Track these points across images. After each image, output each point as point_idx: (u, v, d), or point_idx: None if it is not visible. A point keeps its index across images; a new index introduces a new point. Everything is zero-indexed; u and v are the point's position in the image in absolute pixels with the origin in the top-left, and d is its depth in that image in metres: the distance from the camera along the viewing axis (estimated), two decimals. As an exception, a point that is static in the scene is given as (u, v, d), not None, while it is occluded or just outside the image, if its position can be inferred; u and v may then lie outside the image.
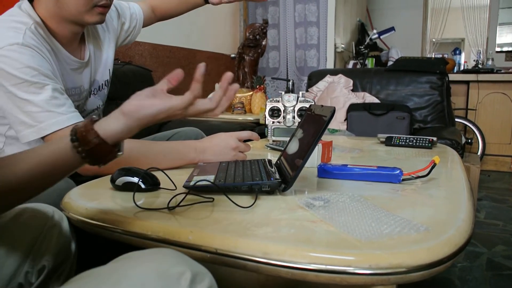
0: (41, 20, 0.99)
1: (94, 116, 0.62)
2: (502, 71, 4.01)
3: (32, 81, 0.88)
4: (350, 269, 0.48)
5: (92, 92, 1.18)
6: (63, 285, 0.46)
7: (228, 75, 0.64)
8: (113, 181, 0.79)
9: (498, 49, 4.96)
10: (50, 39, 1.01)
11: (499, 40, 5.02)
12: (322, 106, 0.82)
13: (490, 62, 4.24)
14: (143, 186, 0.77)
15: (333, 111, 0.73)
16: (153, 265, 0.45)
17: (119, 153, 0.62)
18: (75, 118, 0.93)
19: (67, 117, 0.91)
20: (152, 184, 0.78)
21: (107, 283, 0.43)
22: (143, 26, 1.37)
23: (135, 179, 0.77)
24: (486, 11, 5.11)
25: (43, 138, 0.90)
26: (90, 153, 0.58)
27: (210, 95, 0.68)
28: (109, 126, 0.59)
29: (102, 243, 0.73)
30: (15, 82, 0.87)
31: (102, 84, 1.21)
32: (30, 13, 0.98)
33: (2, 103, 0.90)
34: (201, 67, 0.62)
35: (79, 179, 0.90)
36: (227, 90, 0.65)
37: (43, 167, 0.57)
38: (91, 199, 0.74)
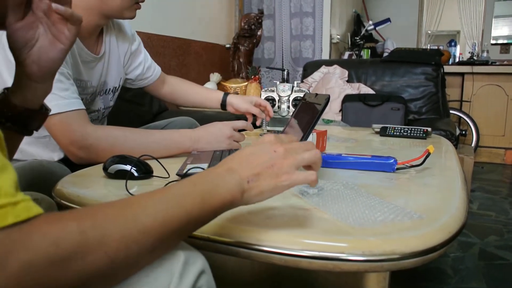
0: None
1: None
2: (497, 63, 4.02)
3: None
4: (343, 256, 0.48)
5: (99, 93, 1.17)
6: None
7: None
8: (105, 168, 0.78)
9: (493, 41, 4.97)
10: None
11: (494, 32, 5.03)
12: (316, 94, 0.81)
13: (485, 54, 4.25)
14: (135, 174, 0.76)
15: (327, 99, 0.72)
16: None
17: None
18: (76, 104, 0.92)
19: (68, 102, 0.90)
20: (145, 172, 0.78)
21: None
22: (144, 87, 1.35)
23: (128, 167, 0.76)
24: (482, 4, 5.11)
25: None
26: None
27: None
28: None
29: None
30: None
31: (109, 88, 1.20)
32: None
33: (7, 79, 0.89)
34: None
35: (74, 168, 0.90)
36: None
37: None
38: (84, 186, 0.73)
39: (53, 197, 0.72)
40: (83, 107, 0.94)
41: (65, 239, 0.35)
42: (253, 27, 3.01)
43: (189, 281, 0.44)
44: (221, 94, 1.36)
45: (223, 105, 1.34)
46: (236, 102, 1.31)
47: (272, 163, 0.48)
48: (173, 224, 0.42)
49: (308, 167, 0.52)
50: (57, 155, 1.08)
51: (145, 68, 1.29)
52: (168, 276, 0.43)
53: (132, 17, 1.07)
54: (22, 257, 0.33)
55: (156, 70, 1.33)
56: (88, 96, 1.12)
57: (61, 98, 0.89)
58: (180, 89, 1.40)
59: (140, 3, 1.07)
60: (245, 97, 1.35)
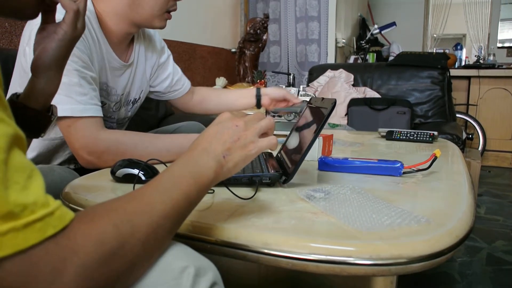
0: (95, 14, 1.00)
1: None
2: (504, 67, 4.00)
3: None
4: (351, 260, 0.48)
5: (124, 104, 1.17)
6: None
7: None
8: (113, 172, 0.79)
9: (499, 44, 4.95)
10: (99, 31, 1.01)
11: (501, 35, 5.01)
12: (322, 98, 0.81)
13: (491, 58, 4.23)
14: (143, 177, 0.77)
15: (334, 103, 0.72)
16: None
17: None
18: (92, 111, 0.91)
19: (84, 107, 0.90)
20: (152, 176, 0.78)
21: None
22: (173, 101, 1.35)
23: (135, 171, 0.76)
24: (488, 7, 5.09)
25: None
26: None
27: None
28: None
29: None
30: None
31: (130, 99, 1.19)
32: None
33: (16, 89, 0.90)
34: None
35: (82, 173, 0.90)
36: None
37: None
38: (91, 190, 0.74)
39: (62, 200, 0.73)
40: (100, 114, 0.93)
41: (105, 236, 0.38)
42: (258, 31, 3.02)
43: None
44: (253, 89, 1.36)
45: (258, 99, 1.33)
46: (271, 91, 1.32)
47: (238, 136, 0.54)
48: (180, 207, 0.46)
49: (264, 134, 0.57)
50: (58, 160, 1.08)
51: (173, 81, 1.28)
52: None
53: (162, 27, 1.06)
54: (75, 262, 0.35)
55: (185, 83, 1.33)
56: (112, 104, 1.11)
57: (77, 103, 0.89)
58: (211, 94, 1.39)
59: (171, 13, 1.06)
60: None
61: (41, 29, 0.63)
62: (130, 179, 0.76)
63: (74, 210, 0.68)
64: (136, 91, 1.19)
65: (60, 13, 0.63)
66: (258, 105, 1.33)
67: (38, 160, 1.07)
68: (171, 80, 1.28)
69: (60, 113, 0.86)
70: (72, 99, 0.88)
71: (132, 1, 0.99)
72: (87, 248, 0.36)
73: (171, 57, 1.29)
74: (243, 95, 1.37)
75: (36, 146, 1.04)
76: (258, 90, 1.33)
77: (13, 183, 0.32)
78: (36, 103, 0.65)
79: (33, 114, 0.65)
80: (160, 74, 1.26)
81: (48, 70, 0.63)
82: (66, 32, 0.61)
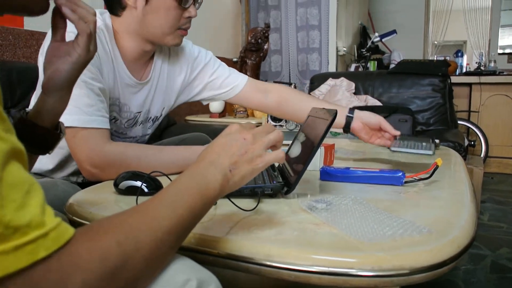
0: (112, 30, 1.01)
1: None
2: (505, 73, 4.00)
3: None
4: (353, 271, 0.48)
5: (142, 122, 1.15)
6: None
7: None
8: (116, 185, 0.79)
9: (500, 51, 4.95)
10: (115, 47, 1.02)
11: (501, 42, 5.02)
12: (324, 109, 0.82)
13: (492, 64, 4.24)
14: (146, 190, 0.77)
15: (335, 114, 0.73)
16: None
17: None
18: (98, 122, 0.91)
19: (90, 118, 0.90)
20: (155, 188, 0.78)
21: None
22: (229, 100, 1.26)
23: (138, 183, 0.77)
24: (488, 13, 5.11)
25: None
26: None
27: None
28: None
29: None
30: None
31: (151, 117, 1.17)
32: (105, 19, 1.01)
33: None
34: None
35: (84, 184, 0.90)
36: None
37: None
38: (95, 203, 0.74)
39: (65, 213, 0.73)
40: (106, 126, 0.93)
41: (109, 253, 0.38)
42: (259, 40, 3.03)
43: None
44: (345, 108, 1.14)
45: (348, 121, 1.13)
46: (366, 116, 1.12)
47: (245, 150, 0.54)
48: (184, 221, 0.46)
49: (273, 146, 0.58)
50: (51, 163, 1.08)
51: (217, 85, 1.23)
52: None
53: (176, 44, 1.05)
54: (78, 279, 0.35)
55: (239, 80, 1.23)
56: (124, 120, 1.10)
57: (84, 113, 0.89)
58: (290, 97, 1.25)
59: (186, 30, 1.05)
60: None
61: (53, 48, 0.63)
62: (133, 191, 0.76)
63: (78, 223, 0.69)
64: (157, 109, 1.18)
65: (71, 32, 0.64)
66: (347, 127, 1.13)
67: (55, 170, 1.08)
68: (213, 84, 1.23)
69: (66, 123, 0.85)
70: (79, 109, 0.89)
71: (142, 20, 0.99)
72: (90, 264, 0.36)
73: (211, 62, 1.23)
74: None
75: (53, 155, 1.04)
76: (352, 110, 1.13)
77: (9, 202, 0.31)
78: (46, 121, 0.65)
79: (42, 132, 0.65)
80: (197, 84, 1.22)
81: (60, 91, 0.64)
82: (80, 55, 0.62)
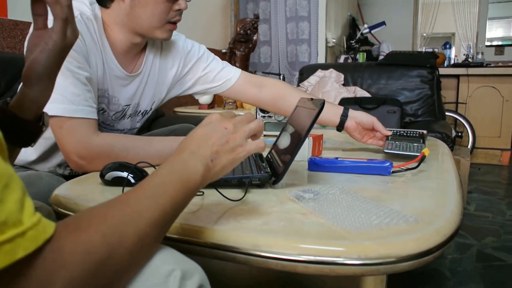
0: (101, 21, 0.99)
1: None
2: (492, 65, 4.04)
3: None
4: (340, 260, 0.49)
5: (130, 115, 1.13)
6: None
7: None
8: (102, 176, 0.78)
9: (487, 43, 5.00)
10: (104, 38, 1.00)
11: (489, 34, 5.06)
12: (312, 99, 0.81)
13: (480, 56, 4.28)
14: (132, 180, 0.76)
15: (322, 104, 0.73)
16: None
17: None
18: (85, 112, 0.89)
19: (77, 108, 0.88)
20: (142, 179, 0.77)
21: None
22: (222, 93, 1.24)
23: (124, 174, 0.76)
24: (476, 6, 5.14)
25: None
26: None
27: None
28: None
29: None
30: None
31: (140, 111, 1.16)
32: (94, 9, 0.99)
33: None
34: None
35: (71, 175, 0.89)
36: None
37: None
38: (80, 194, 0.73)
39: (50, 204, 0.72)
40: (94, 116, 0.92)
41: (93, 246, 0.37)
42: (248, 31, 3.02)
43: None
44: (339, 107, 1.17)
45: (343, 120, 1.15)
46: (360, 116, 1.15)
47: (227, 139, 0.54)
48: (167, 213, 0.46)
49: (253, 136, 0.57)
50: (35, 154, 1.06)
51: (210, 78, 1.21)
52: None
53: (165, 38, 1.03)
54: (63, 275, 0.34)
55: (231, 74, 1.22)
56: (112, 112, 1.08)
57: (70, 103, 0.87)
58: (286, 92, 1.23)
59: (176, 23, 1.03)
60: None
61: (34, 36, 0.61)
62: (119, 182, 0.75)
63: (63, 214, 0.68)
64: (147, 103, 1.16)
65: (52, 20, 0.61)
66: (341, 126, 1.16)
67: (39, 160, 1.06)
68: (206, 78, 1.21)
69: (51, 111, 0.84)
70: (65, 98, 0.87)
71: (130, 13, 0.98)
72: (74, 259, 0.35)
73: (204, 56, 1.21)
74: (327, 108, 1.12)
75: (37, 146, 1.02)
76: (346, 110, 1.16)
77: None
78: (28, 113, 0.62)
79: (24, 125, 0.62)
80: (189, 79, 1.21)
81: (40, 81, 0.61)
82: (56, 42, 0.59)
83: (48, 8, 0.59)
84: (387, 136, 1.13)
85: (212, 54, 1.25)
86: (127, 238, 0.40)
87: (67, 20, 0.59)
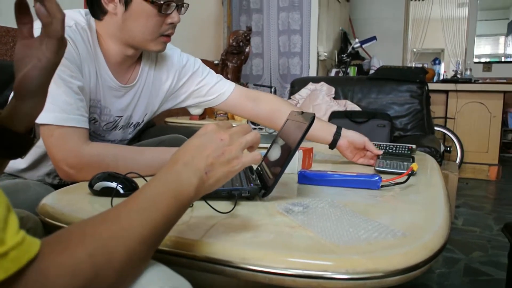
0: (96, 32, 0.99)
1: None
2: (480, 81, 4.12)
3: None
4: (327, 274, 0.49)
5: (122, 127, 1.12)
6: None
7: None
8: (91, 186, 0.78)
9: (476, 59, 5.09)
10: (98, 49, 1.00)
11: (477, 51, 5.16)
12: (302, 112, 0.82)
13: (468, 72, 4.35)
14: (121, 191, 0.76)
15: (313, 118, 0.73)
16: None
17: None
18: (76, 121, 0.89)
19: (68, 117, 0.88)
20: (131, 189, 0.77)
21: None
22: (217, 106, 1.24)
23: (114, 184, 0.76)
24: (465, 23, 5.25)
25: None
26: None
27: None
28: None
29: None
30: None
31: (132, 123, 1.15)
32: (89, 20, 0.99)
33: None
34: None
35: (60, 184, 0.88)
36: None
37: None
38: (68, 204, 0.72)
39: (37, 214, 0.72)
40: (84, 125, 0.91)
41: (80, 267, 0.35)
42: (241, 43, 3.04)
43: None
44: (333, 126, 1.18)
45: (336, 138, 1.16)
46: (352, 135, 1.16)
47: (222, 151, 0.52)
48: (158, 228, 0.44)
49: (249, 147, 0.56)
50: (24, 163, 1.04)
51: (203, 92, 1.21)
52: None
53: (159, 51, 1.04)
54: None
55: (225, 87, 1.22)
56: (103, 123, 1.07)
57: (62, 111, 0.87)
58: (282, 109, 1.22)
59: (170, 36, 1.03)
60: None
61: (23, 45, 0.59)
62: (108, 192, 0.75)
63: (51, 224, 0.67)
64: (140, 115, 1.15)
65: (39, 28, 0.59)
66: (333, 145, 1.17)
67: (29, 169, 1.05)
68: (199, 92, 1.21)
69: (43, 119, 0.84)
70: (57, 106, 0.86)
71: (123, 26, 0.97)
72: (59, 281, 0.34)
73: (199, 71, 1.21)
74: (321, 126, 1.17)
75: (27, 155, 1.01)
76: (339, 128, 1.17)
77: None
78: (19, 125, 0.61)
79: (16, 138, 0.61)
80: (183, 92, 1.20)
81: (33, 97, 0.60)
82: (50, 60, 0.58)
83: (34, 16, 0.58)
84: (377, 156, 1.15)
85: (208, 68, 1.25)
86: (115, 257, 0.39)
87: (62, 38, 0.58)
